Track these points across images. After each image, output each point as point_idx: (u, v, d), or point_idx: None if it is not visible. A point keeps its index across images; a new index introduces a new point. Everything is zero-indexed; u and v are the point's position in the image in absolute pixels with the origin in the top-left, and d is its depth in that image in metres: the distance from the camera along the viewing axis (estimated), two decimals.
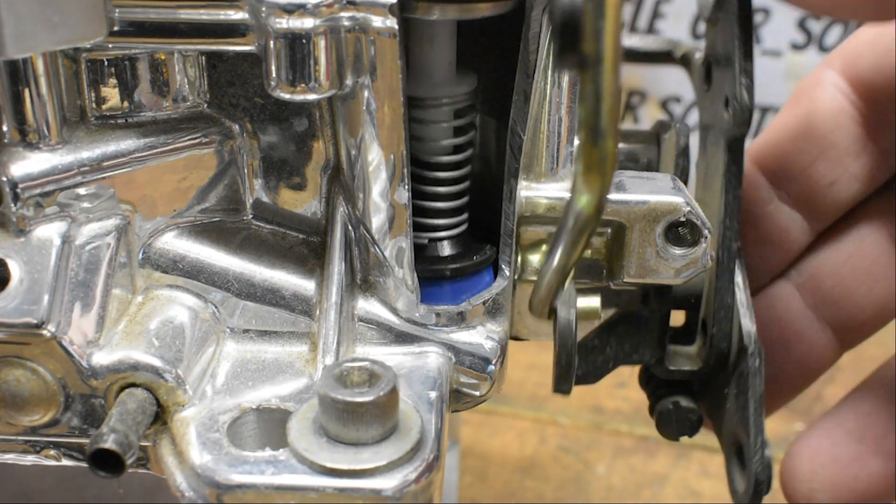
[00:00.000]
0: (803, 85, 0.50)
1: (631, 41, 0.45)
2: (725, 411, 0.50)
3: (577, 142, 0.33)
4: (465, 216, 0.47)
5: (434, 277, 0.45)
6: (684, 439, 0.82)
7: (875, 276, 0.49)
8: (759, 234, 0.50)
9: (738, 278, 0.48)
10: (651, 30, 1.09)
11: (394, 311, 0.44)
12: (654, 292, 0.49)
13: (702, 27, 1.08)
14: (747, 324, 0.47)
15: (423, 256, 0.45)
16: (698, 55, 0.51)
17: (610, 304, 0.50)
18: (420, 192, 0.45)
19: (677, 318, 0.51)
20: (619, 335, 0.50)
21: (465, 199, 0.46)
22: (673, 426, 0.51)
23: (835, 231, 0.51)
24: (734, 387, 0.48)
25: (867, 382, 0.42)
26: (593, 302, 0.47)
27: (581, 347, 0.48)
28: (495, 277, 0.45)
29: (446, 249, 0.46)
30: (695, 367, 0.50)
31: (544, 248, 0.47)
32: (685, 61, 0.54)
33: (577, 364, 0.45)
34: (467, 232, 0.47)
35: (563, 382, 0.45)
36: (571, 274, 0.39)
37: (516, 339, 0.49)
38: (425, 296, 0.44)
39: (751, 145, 0.51)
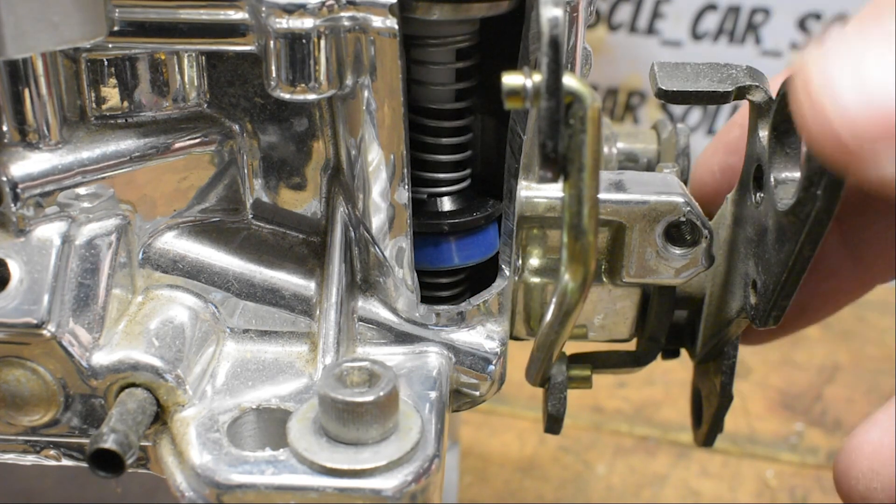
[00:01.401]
0: None
1: (699, 84, 0.43)
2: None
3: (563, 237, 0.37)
4: (466, 171, 0.46)
5: (433, 234, 0.44)
6: (685, 439, 0.82)
7: None
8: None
9: None
10: (651, 30, 1.09)
11: (394, 311, 0.44)
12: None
13: (701, 27, 1.08)
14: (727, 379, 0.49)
15: (421, 212, 0.44)
16: (762, 131, 0.44)
17: (601, 367, 0.51)
18: (419, 143, 0.44)
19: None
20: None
21: (466, 153, 0.45)
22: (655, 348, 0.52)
23: None
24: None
25: None
26: (584, 371, 0.50)
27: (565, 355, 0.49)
28: (500, 235, 0.45)
29: (446, 205, 0.45)
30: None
31: (545, 247, 0.47)
32: (751, 110, 0.46)
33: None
34: (471, 189, 0.46)
35: (553, 426, 0.48)
36: (562, 347, 0.43)
37: (516, 339, 0.49)
38: (425, 255, 0.44)
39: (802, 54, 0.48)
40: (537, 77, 0.34)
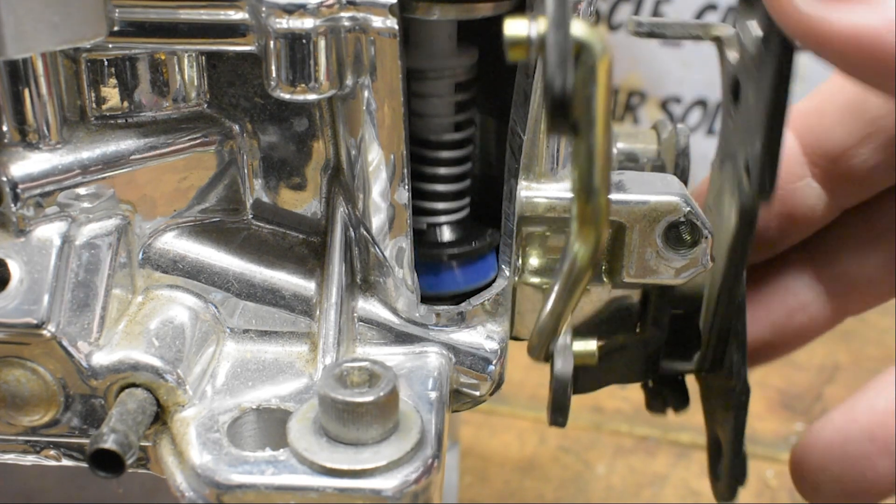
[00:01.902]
0: None
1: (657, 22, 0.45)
2: (712, 406, 0.51)
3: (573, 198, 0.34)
4: (466, 200, 0.46)
5: (433, 264, 0.44)
6: (685, 439, 0.82)
7: (888, 258, 0.48)
8: (784, 208, 0.49)
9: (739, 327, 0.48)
10: None
11: (394, 311, 0.44)
12: (654, 303, 0.49)
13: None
14: (738, 362, 0.48)
15: (421, 241, 0.44)
16: (731, 54, 0.44)
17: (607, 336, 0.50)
18: (419, 174, 0.44)
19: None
20: (611, 360, 0.50)
21: (466, 182, 0.45)
22: (660, 398, 0.51)
23: (856, 210, 0.50)
24: (723, 398, 0.49)
25: (885, 378, 0.42)
26: (590, 345, 0.48)
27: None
28: (498, 264, 0.45)
29: (446, 234, 0.45)
30: (690, 368, 0.50)
31: (545, 247, 0.47)
32: (718, 43, 0.48)
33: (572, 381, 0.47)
34: (469, 217, 0.46)
35: (558, 416, 0.46)
36: (568, 319, 0.41)
37: (516, 339, 0.49)
38: (425, 283, 0.44)
39: (795, 108, 0.48)
40: (542, 22, 0.31)
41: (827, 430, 0.39)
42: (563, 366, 0.46)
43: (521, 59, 0.32)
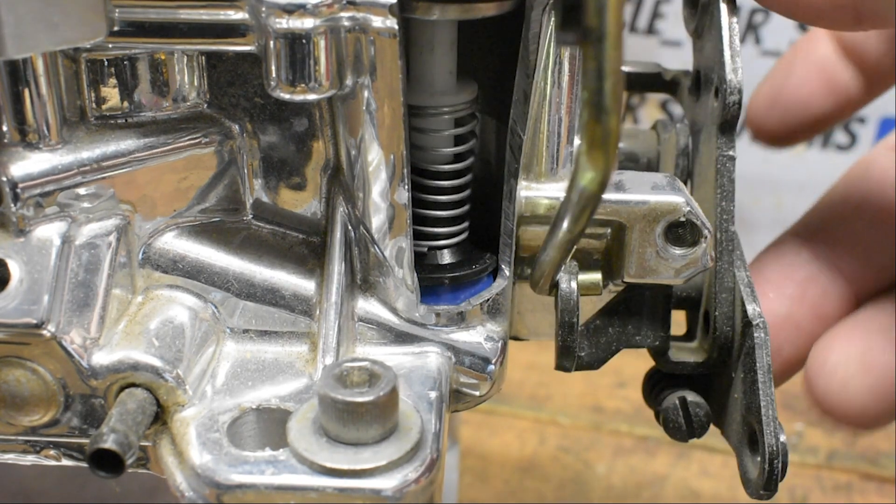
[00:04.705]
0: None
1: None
2: (732, 403, 0.49)
3: (580, 121, 0.32)
4: (465, 224, 0.47)
5: (433, 286, 0.45)
6: None
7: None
8: (825, 84, 0.56)
9: (737, 261, 0.47)
10: (651, 30, 1.09)
11: (394, 311, 0.44)
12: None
13: None
14: (750, 302, 0.46)
15: (422, 264, 0.45)
16: (685, 79, 0.51)
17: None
18: (420, 201, 0.45)
19: (678, 318, 0.51)
20: (621, 316, 0.48)
21: (465, 208, 0.46)
22: (682, 425, 0.49)
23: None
24: (741, 370, 0.47)
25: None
26: (594, 276, 0.46)
27: (584, 329, 0.47)
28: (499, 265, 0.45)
29: (446, 258, 0.46)
30: (699, 359, 0.49)
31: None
32: (673, 85, 0.54)
33: (581, 346, 0.45)
34: (468, 239, 0.47)
35: (565, 358, 0.44)
36: (572, 250, 0.39)
37: (516, 339, 0.49)
38: (424, 302, 0.44)
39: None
40: None
41: (844, 332, 0.40)
42: (569, 294, 0.44)
43: None
